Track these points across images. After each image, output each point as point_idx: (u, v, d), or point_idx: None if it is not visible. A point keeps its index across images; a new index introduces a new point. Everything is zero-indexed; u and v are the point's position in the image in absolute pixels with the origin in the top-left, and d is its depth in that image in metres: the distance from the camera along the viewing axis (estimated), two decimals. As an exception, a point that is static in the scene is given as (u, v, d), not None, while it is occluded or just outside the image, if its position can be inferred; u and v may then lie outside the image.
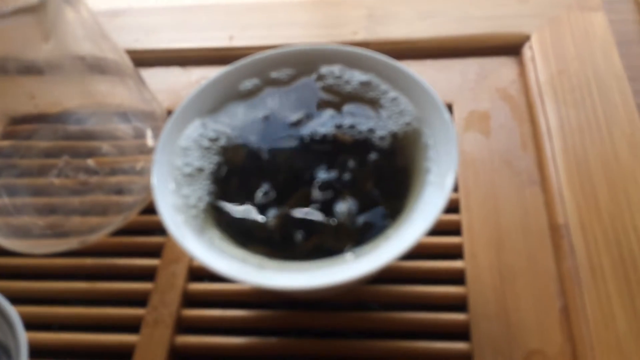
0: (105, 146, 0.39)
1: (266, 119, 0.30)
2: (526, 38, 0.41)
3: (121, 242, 0.35)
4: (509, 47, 0.41)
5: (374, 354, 0.29)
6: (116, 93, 0.37)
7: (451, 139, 0.26)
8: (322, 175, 0.27)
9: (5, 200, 0.37)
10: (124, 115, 0.38)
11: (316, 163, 0.27)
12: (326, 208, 0.26)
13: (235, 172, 0.28)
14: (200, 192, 0.27)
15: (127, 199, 0.36)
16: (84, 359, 0.31)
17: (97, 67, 0.34)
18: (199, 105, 0.30)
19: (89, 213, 0.36)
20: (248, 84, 0.31)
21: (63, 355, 0.31)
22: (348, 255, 0.24)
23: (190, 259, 0.34)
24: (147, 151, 0.38)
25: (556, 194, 0.33)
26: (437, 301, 0.31)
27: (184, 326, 0.32)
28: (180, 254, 0.34)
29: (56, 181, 0.38)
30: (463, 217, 0.33)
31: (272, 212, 0.26)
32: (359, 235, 0.25)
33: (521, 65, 0.40)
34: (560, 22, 0.41)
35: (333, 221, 0.26)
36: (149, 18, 0.46)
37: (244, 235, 0.26)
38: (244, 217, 0.26)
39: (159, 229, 0.36)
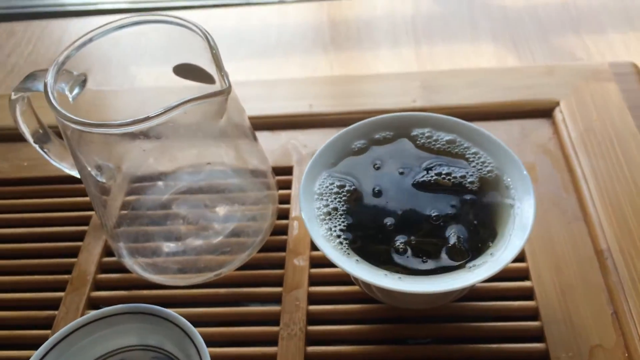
0: (220, 198, 0.47)
1: (378, 169, 0.38)
2: (556, 103, 0.51)
3: (248, 275, 0.43)
4: (543, 111, 0.50)
5: (467, 355, 0.37)
6: (235, 153, 0.45)
7: (527, 181, 0.35)
8: (433, 211, 0.36)
9: (143, 244, 0.45)
10: (239, 171, 0.47)
11: (426, 202, 0.36)
12: (440, 235, 0.34)
13: (363, 211, 0.36)
14: (339, 226, 0.35)
15: (245, 240, 0.44)
16: (237, 367, 0.38)
17: (238, 131, 0.42)
18: (324, 161, 0.39)
19: (216, 252, 0.44)
20: (358, 143, 0.40)
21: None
22: (463, 269, 0.33)
23: (308, 286, 0.41)
24: (256, 202, 0.47)
25: (597, 226, 0.42)
26: (515, 313, 0.39)
27: (312, 339, 0.39)
28: (299, 282, 0.42)
29: (182, 228, 0.46)
30: (526, 248, 0.42)
31: (399, 240, 0.34)
32: (469, 254, 0.34)
33: (554, 125, 0.50)
34: (582, 91, 0.51)
35: (448, 245, 0.34)
36: (240, 90, 0.55)
37: (379, 258, 0.34)
38: (378, 244, 0.35)
39: (276, 264, 0.43)
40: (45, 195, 0.50)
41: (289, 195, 0.48)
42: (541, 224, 0.43)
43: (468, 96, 0.52)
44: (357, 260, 0.34)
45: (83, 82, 0.40)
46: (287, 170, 0.49)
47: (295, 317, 0.40)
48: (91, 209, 0.48)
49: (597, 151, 0.46)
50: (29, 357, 0.35)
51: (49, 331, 0.41)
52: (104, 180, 0.43)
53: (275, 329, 0.40)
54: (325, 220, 0.36)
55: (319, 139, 0.51)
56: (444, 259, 0.34)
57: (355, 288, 0.41)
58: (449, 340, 0.38)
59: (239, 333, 0.40)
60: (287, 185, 0.48)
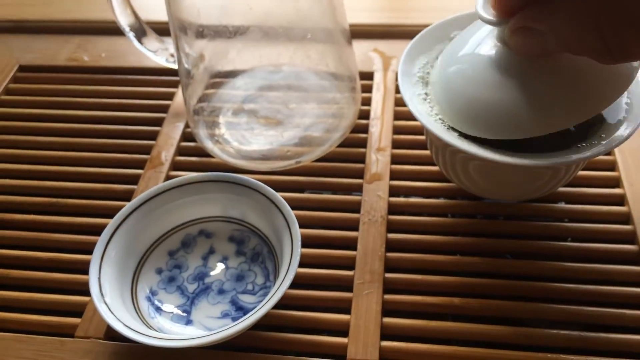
0: (300, 95, 0.46)
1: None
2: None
3: (328, 166, 0.42)
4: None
5: (555, 252, 0.36)
6: (332, 56, 0.45)
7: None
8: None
9: (222, 132, 0.44)
10: (331, 74, 0.46)
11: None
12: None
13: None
14: (437, 107, 0.34)
15: (324, 135, 0.43)
16: (318, 248, 0.38)
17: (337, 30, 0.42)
18: (421, 46, 0.38)
19: (295, 144, 0.43)
20: (457, 33, 0.39)
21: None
22: (572, 149, 0.31)
23: (389, 180, 0.41)
24: (335, 101, 0.46)
25: (695, 141, 0.40)
26: (606, 217, 0.38)
27: (393, 228, 0.39)
28: (380, 175, 0.41)
29: (262, 120, 0.46)
30: (618, 159, 0.40)
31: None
32: (581, 137, 0.32)
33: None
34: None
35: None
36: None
37: (482, 138, 0.33)
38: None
39: (357, 159, 0.43)
40: (123, 84, 0.50)
41: (369, 99, 0.47)
42: (636, 136, 0.41)
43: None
44: (459, 135, 0.33)
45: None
46: (369, 76, 0.49)
47: (376, 205, 0.39)
48: (170, 98, 0.48)
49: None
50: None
51: (128, 202, 0.41)
52: (189, 67, 0.43)
53: (356, 215, 0.39)
54: (426, 99, 0.35)
55: (401, 48, 0.50)
56: (551, 139, 0.32)
57: (438, 184, 0.40)
58: (536, 237, 0.37)
59: (320, 217, 0.39)
60: (368, 89, 0.48)
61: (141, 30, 0.46)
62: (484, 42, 0.33)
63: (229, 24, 0.41)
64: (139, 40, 0.46)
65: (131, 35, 0.46)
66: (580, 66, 0.30)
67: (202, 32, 0.41)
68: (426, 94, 0.35)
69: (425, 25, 0.51)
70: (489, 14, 0.30)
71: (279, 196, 0.35)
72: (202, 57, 0.44)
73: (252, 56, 0.46)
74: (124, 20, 0.45)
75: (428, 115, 0.34)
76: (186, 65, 0.43)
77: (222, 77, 0.47)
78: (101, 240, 0.34)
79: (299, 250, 0.33)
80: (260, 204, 0.36)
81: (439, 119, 0.34)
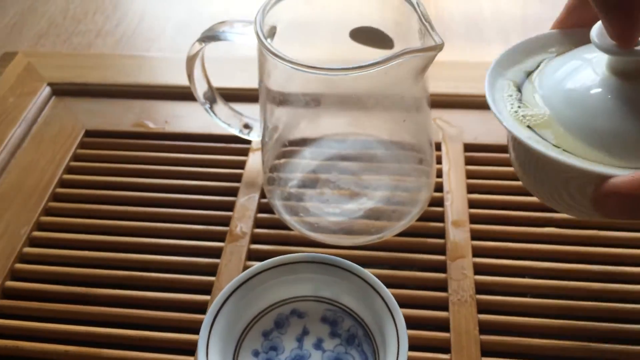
0: (378, 167, 0.47)
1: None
2: None
3: (409, 241, 0.43)
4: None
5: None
6: (413, 127, 0.45)
7: None
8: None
9: (300, 204, 0.45)
10: (411, 146, 0.46)
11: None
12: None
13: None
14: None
15: (403, 209, 0.44)
16: (409, 329, 0.37)
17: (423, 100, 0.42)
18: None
19: (373, 217, 0.44)
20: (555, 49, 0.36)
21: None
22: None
23: (472, 256, 0.41)
24: (415, 173, 0.46)
25: None
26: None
27: (482, 308, 0.39)
28: (464, 251, 0.41)
29: (331, 192, 0.46)
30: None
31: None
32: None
33: None
34: None
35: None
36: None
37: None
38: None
39: (436, 234, 0.43)
40: (191, 151, 0.51)
41: (439, 170, 0.47)
42: None
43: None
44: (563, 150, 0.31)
45: (273, 34, 0.41)
46: (436, 146, 0.49)
47: (463, 284, 0.40)
48: (241, 167, 0.49)
49: None
50: (197, 301, 0.36)
51: (213, 278, 0.41)
52: (266, 139, 0.44)
53: (443, 294, 0.39)
54: (517, 112, 0.34)
55: (465, 119, 0.51)
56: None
57: (524, 262, 0.41)
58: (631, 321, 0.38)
59: (406, 295, 0.40)
60: (437, 160, 0.48)
61: (212, 98, 0.47)
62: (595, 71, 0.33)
63: (318, 92, 0.41)
64: (211, 109, 0.47)
65: (207, 106, 0.46)
66: None
67: (293, 103, 0.41)
68: (519, 107, 0.34)
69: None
70: (603, 42, 0.30)
71: (376, 279, 0.36)
72: (276, 127, 0.45)
73: (332, 125, 0.47)
74: (201, 90, 0.46)
75: (517, 123, 0.33)
76: (266, 137, 0.43)
77: (295, 145, 0.47)
78: (204, 327, 0.34)
79: (405, 338, 0.33)
80: (355, 286, 0.36)
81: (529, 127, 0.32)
